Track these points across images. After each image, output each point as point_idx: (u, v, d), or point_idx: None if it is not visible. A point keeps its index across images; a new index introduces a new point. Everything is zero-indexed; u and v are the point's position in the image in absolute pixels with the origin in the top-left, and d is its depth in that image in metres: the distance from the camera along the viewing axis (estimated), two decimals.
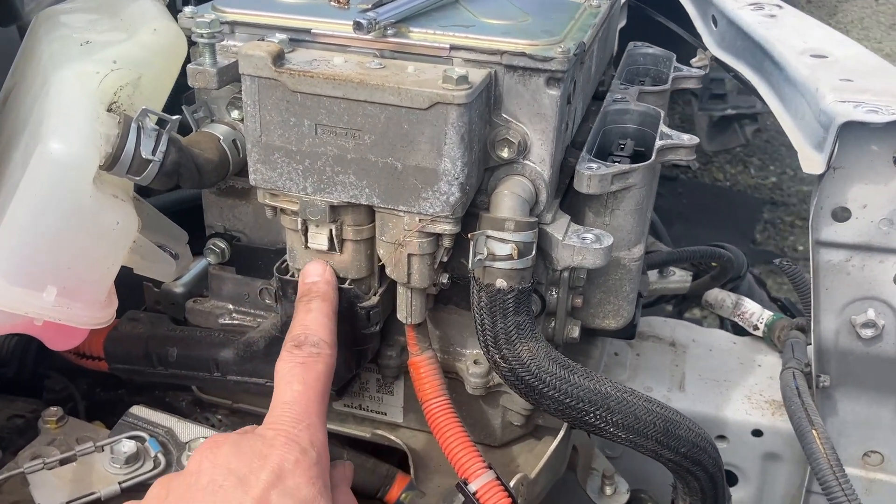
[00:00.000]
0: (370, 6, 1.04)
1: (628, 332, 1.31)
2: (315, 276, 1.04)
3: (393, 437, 1.23)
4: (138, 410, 1.14)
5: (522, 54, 0.97)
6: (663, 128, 1.17)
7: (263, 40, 1.00)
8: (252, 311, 1.24)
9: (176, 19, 1.09)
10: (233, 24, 1.06)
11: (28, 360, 1.40)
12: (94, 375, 1.46)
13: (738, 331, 1.73)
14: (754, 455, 1.52)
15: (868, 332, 1.27)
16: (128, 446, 1.07)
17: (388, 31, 1.01)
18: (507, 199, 1.01)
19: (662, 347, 1.65)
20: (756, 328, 1.64)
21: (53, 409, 1.15)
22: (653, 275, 1.78)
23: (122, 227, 1.00)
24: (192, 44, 1.07)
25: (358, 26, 0.98)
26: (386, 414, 1.26)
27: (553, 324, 1.17)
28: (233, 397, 1.30)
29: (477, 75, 0.96)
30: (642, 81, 1.40)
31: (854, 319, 1.27)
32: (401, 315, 1.08)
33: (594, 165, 1.05)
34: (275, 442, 0.86)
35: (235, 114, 1.09)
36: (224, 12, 1.06)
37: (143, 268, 1.11)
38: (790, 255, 3.94)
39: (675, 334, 1.69)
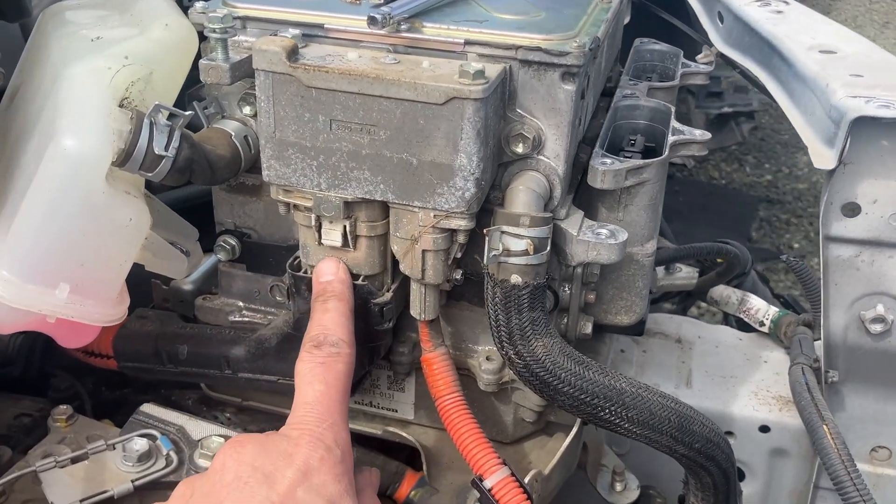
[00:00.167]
0: (382, 1, 1.04)
1: (637, 329, 1.31)
2: (329, 275, 1.03)
3: (405, 434, 1.22)
4: (149, 408, 1.14)
5: (538, 49, 0.97)
6: (675, 123, 1.17)
7: (276, 35, 0.99)
8: (262, 308, 1.23)
9: (186, 15, 1.09)
10: (244, 19, 1.06)
11: (34, 358, 1.39)
12: (98, 374, 1.45)
13: (741, 328, 1.73)
14: (761, 451, 1.53)
15: (877, 328, 1.27)
16: (140, 444, 1.06)
17: (402, 27, 1.01)
18: (522, 195, 1.01)
19: (669, 344, 1.65)
20: (762, 324, 1.64)
21: (63, 407, 1.15)
22: (659, 271, 1.78)
23: (135, 223, 1.00)
24: (202, 39, 1.06)
25: (372, 21, 0.97)
26: (397, 411, 1.26)
27: (565, 320, 1.16)
28: (243, 395, 1.30)
29: (492, 70, 0.95)
30: (649, 77, 1.40)
31: (863, 315, 1.28)
32: (414, 311, 1.08)
33: (608, 160, 1.05)
34: (300, 441, 0.86)
35: (247, 110, 1.09)
36: (236, 7, 1.05)
37: (154, 265, 1.10)
38: (786, 252, 3.95)
39: (681, 331, 1.69)
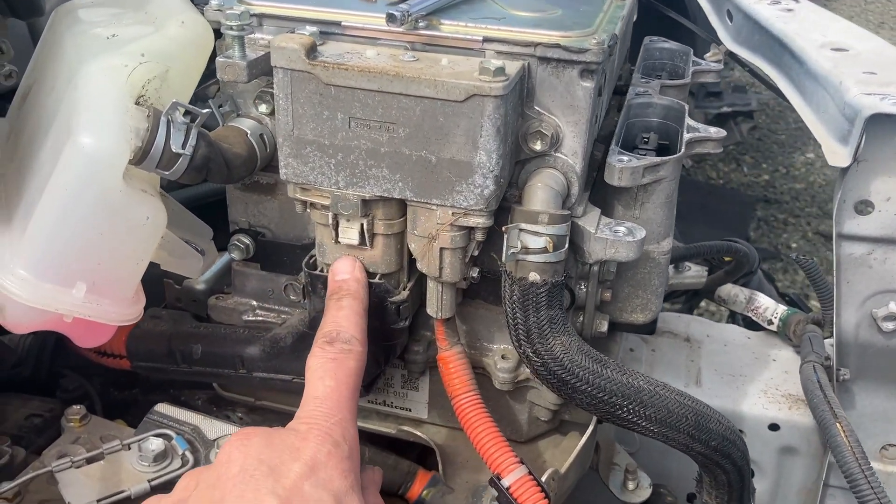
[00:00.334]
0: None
1: (649, 328, 1.30)
2: (345, 274, 1.03)
3: (419, 433, 1.22)
4: (163, 408, 1.13)
5: (557, 46, 0.96)
6: (690, 121, 1.17)
7: (294, 32, 0.99)
8: (276, 307, 1.23)
9: (201, 12, 1.08)
10: (261, 16, 1.05)
11: (45, 358, 1.38)
12: (107, 374, 1.44)
13: (749, 326, 1.73)
14: (771, 449, 1.52)
15: (889, 325, 1.27)
16: (155, 444, 1.06)
17: (420, 24, 1.01)
18: (541, 192, 1.01)
19: (678, 343, 1.65)
20: (770, 323, 1.64)
21: (77, 407, 1.14)
22: (669, 270, 1.78)
23: (152, 222, 0.99)
24: (218, 36, 1.06)
25: (391, 18, 0.97)
26: (411, 410, 1.25)
27: (581, 318, 1.16)
28: (256, 394, 1.29)
29: (512, 67, 0.95)
30: (659, 76, 1.40)
31: (875, 313, 1.28)
32: (431, 309, 1.08)
33: (625, 158, 1.05)
34: (308, 435, 0.85)
35: (263, 108, 1.08)
36: (252, 4, 1.05)
37: (170, 264, 1.10)
38: (784, 252, 3.96)
39: (689, 330, 1.69)
